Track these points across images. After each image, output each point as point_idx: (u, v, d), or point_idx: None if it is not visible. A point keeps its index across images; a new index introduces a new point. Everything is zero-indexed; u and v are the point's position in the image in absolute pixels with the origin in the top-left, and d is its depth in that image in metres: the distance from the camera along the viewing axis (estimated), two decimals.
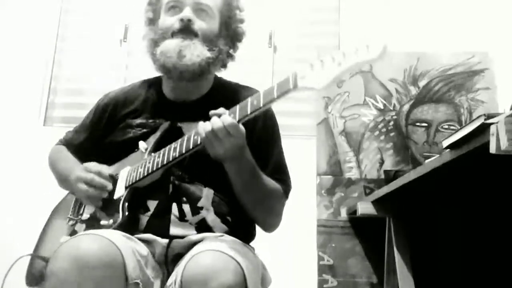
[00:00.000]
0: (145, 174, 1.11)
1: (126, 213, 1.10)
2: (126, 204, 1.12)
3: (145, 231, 1.11)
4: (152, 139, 1.20)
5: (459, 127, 1.26)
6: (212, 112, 1.02)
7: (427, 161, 1.30)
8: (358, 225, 2.06)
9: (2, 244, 2.30)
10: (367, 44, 0.89)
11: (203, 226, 1.13)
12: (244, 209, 1.16)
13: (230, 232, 1.14)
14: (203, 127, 1.00)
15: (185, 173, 1.16)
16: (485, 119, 0.91)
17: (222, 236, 1.11)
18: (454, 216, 1.93)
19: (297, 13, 2.86)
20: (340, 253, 2.04)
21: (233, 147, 1.01)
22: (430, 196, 1.72)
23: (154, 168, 1.10)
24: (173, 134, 1.16)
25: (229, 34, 1.28)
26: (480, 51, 2.25)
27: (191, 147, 1.04)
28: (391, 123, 2.20)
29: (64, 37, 2.92)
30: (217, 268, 0.90)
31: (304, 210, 2.12)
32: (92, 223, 1.15)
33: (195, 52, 1.18)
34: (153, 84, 1.34)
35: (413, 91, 2.23)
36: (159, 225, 1.11)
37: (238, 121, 0.99)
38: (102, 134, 1.30)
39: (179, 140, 1.08)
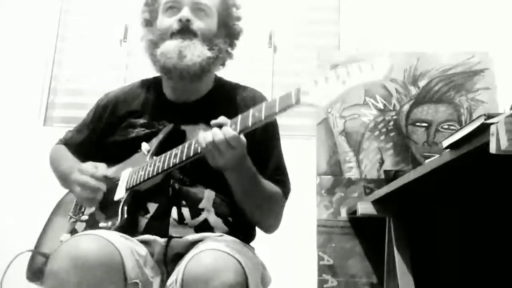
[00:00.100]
0: (146, 178, 1.11)
1: (125, 216, 1.10)
2: (126, 207, 1.12)
3: (144, 233, 1.11)
4: (155, 141, 1.20)
5: (459, 127, 1.26)
6: (213, 122, 1.01)
7: (427, 161, 1.30)
8: (358, 225, 2.06)
9: (2, 244, 2.30)
10: (372, 63, 0.90)
11: (203, 228, 1.13)
12: (244, 212, 1.16)
13: (231, 233, 1.14)
14: (204, 137, 1.00)
15: (186, 176, 1.16)
16: (485, 119, 0.91)
17: (222, 236, 1.11)
18: (454, 216, 1.93)
19: (297, 13, 2.86)
20: (340, 253, 2.04)
21: (233, 158, 1.01)
22: (430, 196, 1.72)
23: (155, 173, 1.10)
24: (176, 137, 1.16)
25: (227, 32, 1.28)
26: (480, 51, 2.25)
27: (191, 154, 1.04)
28: (391, 123, 2.20)
29: (64, 37, 2.92)
30: (219, 267, 0.90)
31: (304, 210, 2.12)
32: (93, 222, 1.15)
33: (196, 52, 1.18)
34: (153, 84, 1.34)
35: (413, 91, 2.23)
36: (158, 228, 1.11)
37: (239, 133, 0.99)
38: (102, 134, 1.30)
39: (180, 147, 1.08)
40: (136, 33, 2.81)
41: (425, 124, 2.19)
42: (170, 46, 1.19)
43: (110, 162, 1.25)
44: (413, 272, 1.60)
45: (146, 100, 1.30)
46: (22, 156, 2.60)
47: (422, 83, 2.24)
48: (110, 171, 1.23)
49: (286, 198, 1.23)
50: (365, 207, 1.74)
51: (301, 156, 2.12)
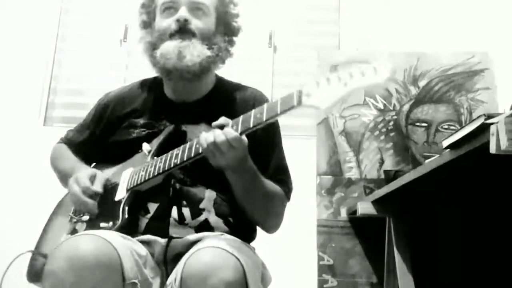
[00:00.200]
0: (147, 178, 1.11)
1: (126, 216, 1.10)
2: (127, 207, 1.12)
3: (144, 233, 1.11)
4: (156, 141, 1.20)
5: (459, 127, 1.26)
6: (214, 123, 1.01)
7: (427, 161, 1.30)
8: (358, 225, 2.06)
9: (2, 244, 2.30)
10: (374, 66, 0.89)
11: (204, 227, 1.13)
12: (245, 212, 1.16)
13: (231, 233, 1.14)
14: (205, 137, 1.00)
15: (187, 176, 1.16)
16: (485, 119, 0.91)
17: (222, 235, 1.11)
18: (454, 216, 1.93)
19: (296, 13, 2.86)
20: (340, 253, 2.04)
21: (235, 159, 1.01)
22: (430, 196, 1.72)
23: (156, 173, 1.10)
24: (177, 138, 1.16)
25: (225, 30, 1.28)
26: (480, 51, 2.25)
27: (192, 155, 1.04)
28: (391, 123, 2.20)
29: (64, 37, 2.92)
30: (217, 265, 0.90)
31: (304, 210, 2.12)
32: (93, 223, 1.15)
33: (195, 52, 1.18)
34: (154, 84, 1.34)
35: (413, 91, 2.23)
36: (158, 228, 1.11)
37: (241, 133, 0.99)
38: (103, 134, 1.30)
39: (182, 147, 1.08)
40: (136, 33, 2.82)
41: (425, 124, 2.20)
42: (169, 47, 1.18)
43: (111, 162, 1.25)
44: (413, 272, 1.60)
45: (146, 100, 1.30)
46: (22, 156, 2.60)
47: (422, 83, 2.24)
48: (110, 172, 1.23)
49: (288, 198, 1.23)
50: (365, 207, 1.74)
51: (301, 156, 2.12)
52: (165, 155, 1.11)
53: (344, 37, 2.74)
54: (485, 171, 1.32)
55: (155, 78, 1.35)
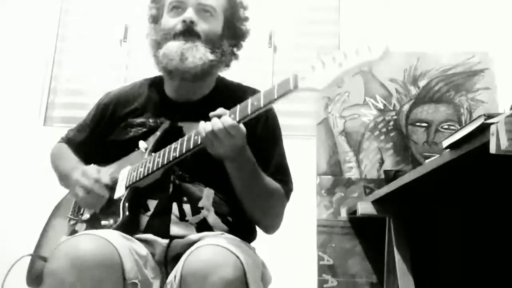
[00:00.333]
0: (146, 174, 1.11)
1: (127, 213, 1.10)
2: (127, 204, 1.12)
3: (145, 231, 1.11)
4: (152, 138, 1.20)
5: (459, 127, 1.26)
6: (212, 113, 1.02)
7: (427, 161, 1.30)
8: (358, 225, 2.06)
9: (2, 244, 2.30)
10: (368, 45, 0.89)
11: (203, 226, 1.13)
12: (245, 209, 1.16)
13: (230, 232, 1.14)
14: (204, 126, 1.00)
15: (186, 172, 1.16)
16: (485, 119, 0.91)
17: (222, 234, 1.11)
18: (454, 216, 1.93)
19: (297, 13, 2.86)
20: (340, 253, 2.04)
21: (233, 147, 1.01)
22: (430, 196, 1.72)
23: (155, 168, 1.10)
24: (174, 134, 1.16)
25: (233, 33, 1.27)
26: (480, 51, 2.25)
27: (191, 147, 1.04)
28: (391, 123, 2.20)
29: (64, 37, 2.91)
30: (217, 262, 0.89)
31: (304, 210, 2.12)
32: (93, 223, 1.15)
33: (197, 55, 1.17)
34: (155, 83, 1.34)
35: (413, 91, 2.24)
36: (159, 225, 1.11)
37: (239, 122, 0.99)
38: (103, 133, 1.30)
39: (180, 140, 1.08)
40: (136, 33, 2.83)
41: (425, 124, 2.20)
42: (173, 47, 1.18)
43: (110, 161, 1.25)
44: (413, 272, 1.60)
45: (147, 100, 1.30)
46: (22, 156, 2.60)
47: (422, 83, 2.24)
48: (107, 179, 1.22)
49: (288, 198, 1.23)
50: (365, 207, 1.74)
51: (301, 156, 2.11)
52: (163, 149, 1.11)
53: (344, 37, 2.74)
54: (485, 171, 1.32)
55: (155, 77, 1.35)
